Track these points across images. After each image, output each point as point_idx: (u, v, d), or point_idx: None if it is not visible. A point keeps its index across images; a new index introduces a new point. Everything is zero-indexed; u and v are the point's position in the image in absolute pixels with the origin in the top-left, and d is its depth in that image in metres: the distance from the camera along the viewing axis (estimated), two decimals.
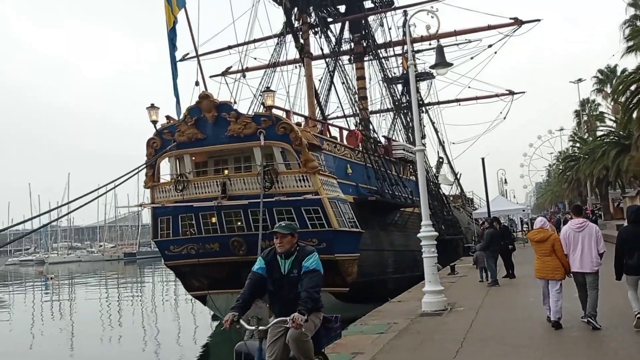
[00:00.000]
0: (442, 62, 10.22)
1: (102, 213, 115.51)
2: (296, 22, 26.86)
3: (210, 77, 35.86)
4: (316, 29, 27.35)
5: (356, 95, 31.60)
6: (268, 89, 17.37)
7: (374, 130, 27.11)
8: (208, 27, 29.54)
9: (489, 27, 34.13)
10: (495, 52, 36.25)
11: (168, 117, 19.07)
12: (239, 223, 18.77)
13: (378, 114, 43.33)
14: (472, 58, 34.12)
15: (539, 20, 33.97)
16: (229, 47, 28.31)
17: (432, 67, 10.91)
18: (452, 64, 10.86)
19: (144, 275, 64.26)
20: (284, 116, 18.70)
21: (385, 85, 35.06)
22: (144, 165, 17.43)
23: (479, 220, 36.76)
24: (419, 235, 11.24)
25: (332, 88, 30.53)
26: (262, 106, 18.89)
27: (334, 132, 23.08)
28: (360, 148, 22.60)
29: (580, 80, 58.62)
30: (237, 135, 18.05)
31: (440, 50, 10.44)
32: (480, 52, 35.33)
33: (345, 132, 23.27)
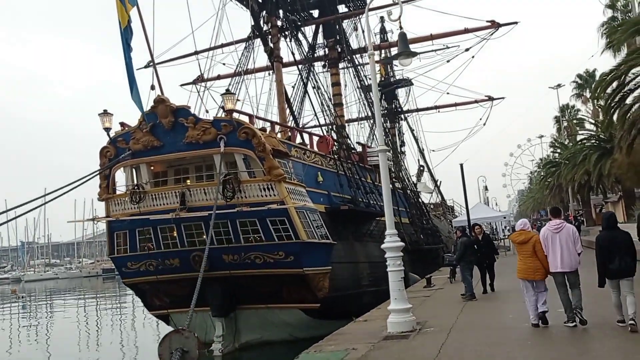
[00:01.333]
0: (405, 52, 9.12)
1: (81, 229, 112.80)
2: (265, 25, 25.78)
3: (181, 85, 34.77)
4: (286, 33, 26.25)
5: (330, 101, 30.61)
6: (228, 92, 16.16)
7: (348, 137, 25.98)
8: (176, 32, 28.29)
9: (466, 31, 33.33)
10: (473, 57, 35.41)
11: (122, 124, 17.76)
12: (201, 237, 17.49)
13: (357, 122, 42.24)
14: (448, 61, 33.18)
15: (516, 22, 33.27)
16: (196, 53, 27.00)
17: (394, 56, 9.77)
18: (416, 53, 9.76)
19: (123, 292, 62.27)
20: (247, 121, 17.48)
21: (362, 92, 33.98)
22: (92, 175, 16.04)
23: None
24: (382, 246, 10.08)
25: (307, 96, 29.41)
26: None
27: (305, 138, 21.91)
28: (332, 155, 21.44)
29: (559, 85, 58.21)
30: (195, 142, 16.79)
31: (403, 38, 9.35)
32: (457, 55, 34.44)
33: (315, 139, 22.08)
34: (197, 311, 18.97)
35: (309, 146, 21.10)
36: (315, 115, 25.00)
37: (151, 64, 28.23)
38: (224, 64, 27.11)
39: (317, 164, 20.34)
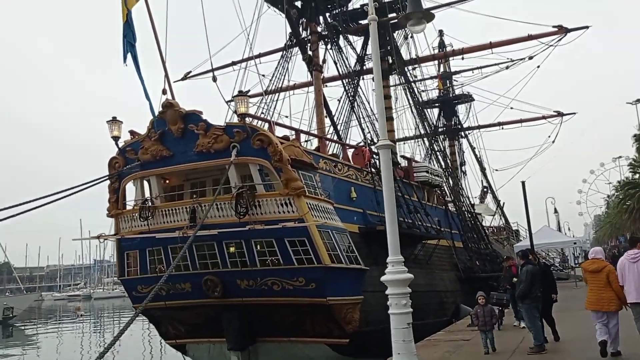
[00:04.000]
0: (418, 11, 6.76)
1: None
2: (303, 32, 23.95)
3: (228, 102, 33.43)
4: (328, 40, 24.24)
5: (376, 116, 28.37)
6: (241, 93, 14.24)
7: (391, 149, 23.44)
8: (212, 43, 26.91)
9: (530, 37, 30.32)
10: (538, 66, 32.31)
11: (132, 132, 16.17)
12: (214, 259, 15.49)
13: (413, 141, 39.52)
14: (507, 68, 30.14)
15: (587, 27, 29.96)
16: (233, 64, 25.54)
17: (403, 17, 7.40)
18: (432, 16, 7.33)
19: None
20: (266, 127, 15.48)
21: (414, 106, 31.38)
22: (92, 183, 14.38)
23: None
24: (383, 278, 7.65)
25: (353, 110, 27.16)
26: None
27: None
28: (369, 168, 19.03)
29: (639, 100, 53.21)
30: (207, 151, 14.91)
31: None
32: (520, 64, 31.38)
33: (351, 151, 19.76)
34: (215, 342, 17.16)
35: (342, 158, 18.81)
36: (362, 130, 22.62)
37: (188, 75, 27.22)
38: (263, 76, 25.37)
39: (350, 179, 17.99)
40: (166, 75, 15.15)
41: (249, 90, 23.74)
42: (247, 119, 14.88)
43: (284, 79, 23.03)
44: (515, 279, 12.74)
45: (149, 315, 17.81)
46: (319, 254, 14.43)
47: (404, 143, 40.63)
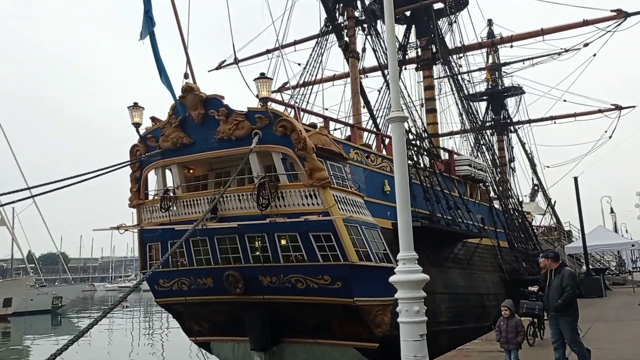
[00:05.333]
0: None
1: None
2: (340, 17, 22.79)
3: (274, 92, 32.52)
4: (365, 25, 22.98)
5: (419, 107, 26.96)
6: (263, 76, 13.25)
7: (430, 140, 22.03)
8: (247, 30, 26.05)
9: (585, 23, 28.17)
10: (594, 55, 30.03)
11: (153, 119, 15.45)
12: (237, 253, 14.61)
13: (459, 135, 37.72)
14: (559, 54, 28.09)
15: None
16: (268, 52, 24.63)
17: None
18: None
19: None
20: (292, 113, 14.47)
21: (459, 97, 29.73)
22: (108, 170, 13.67)
23: (572, 257, 30.15)
24: (391, 279, 6.46)
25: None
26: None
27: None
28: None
29: None
30: (227, 139, 14.01)
31: None
32: (573, 53, 29.23)
33: (386, 141, 18.49)
34: (239, 341, 16.33)
35: (376, 149, 17.61)
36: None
37: (223, 64, 26.52)
38: (299, 64, 24.36)
39: (384, 170, 16.75)
40: (187, 59, 14.31)
41: (287, 84, 22.92)
42: (271, 104, 13.90)
43: (319, 67, 21.94)
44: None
45: (172, 311, 17.15)
46: (345, 250, 13.33)
47: (449, 138, 38.90)
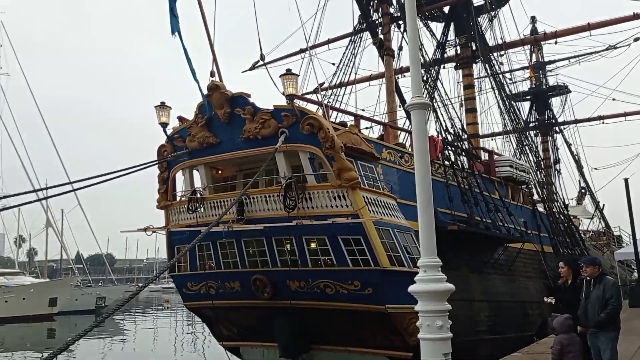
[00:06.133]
0: None
1: None
2: (374, 14, 22.15)
3: (305, 94, 32.18)
4: (400, 21, 22.24)
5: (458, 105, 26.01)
6: (289, 72, 12.75)
7: (469, 140, 21.08)
8: (282, 30, 25.69)
9: (635, 16, 26.62)
10: None
11: (180, 118, 15.16)
12: (264, 256, 14.14)
13: (502, 137, 36.37)
14: (608, 50, 26.62)
15: None
16: (301, 51, 24.17)
17: None
18: None
19: None
20: (319, 111, 13.91)
21: (501, 97, 28.55)
22: (135, 169, 13.41)
23: (622, 263, 28.49)
24: (411, 288, 5.78)
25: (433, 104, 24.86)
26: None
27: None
28: (441, 160, 16.92)
29: None
30: (254, 138, 13.56)
31: None
32: (622, 49, 27.65)
33: None
34: (268, 347, 15.86)
35: (409, 148, 16.85)
36: (437, 119, 20.45)
37: (257, 65, 26.20)
38: (333, 64, 23.79)
39: None
40: (214, 57, 13.93)
41: (323, 84, 22.35)
42: (298, 102, 13.39)
43: (352, 66, 21.32)
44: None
45: (200, 314, 16.83)
46: (376, 254, 12.67)
47: (491, 139, 37.59)
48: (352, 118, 16.05)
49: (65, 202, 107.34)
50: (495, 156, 21.79)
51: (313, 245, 13.43)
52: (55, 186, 13.80)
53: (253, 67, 25.92)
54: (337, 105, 21.01)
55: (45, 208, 57.90)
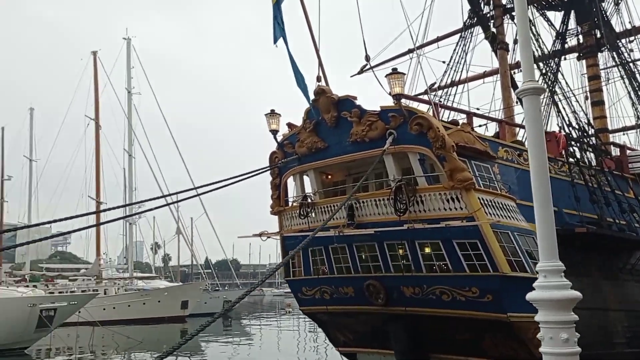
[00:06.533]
0: None
1: None
2: (485, 7, 21.14)
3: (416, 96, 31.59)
4: (513, 13, 21.01)
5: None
6: (395, 71, 12.40)
7: (596, 135, 19.29)
8: (391, 31, 25.42)
9: None
10: None
11: (290, 125, 15.37)
12: (376, 261, 13.89)
13: (635, 131, 33.14)
14: None
15: None
16: (409, 51, 23.67)
17: None
18: None
19: None
20: (429, 111, 13.41)
21: (631, 87, 25.99)
22: (249, 175, 13.74)
23: None
24: (529, 296, 5.17)
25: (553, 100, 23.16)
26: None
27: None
28: (565, 157, 15.63)
29: None
30: (361, 141, 13.38)
31: None
32: None
33: None
34: (385, 354, 15.56)
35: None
36: (559, 113, 19.03)
37: (365, 68, 26.08)
38: (443, 62, 23.01)
39: None
40: (319, 62, 14.05)
41: (435, 85, 21.70)
42: (405, 101, 13.02)
43: (464, 63, 20.44)
44: None
45: (316, 319, 16.91)
46: (494, 259, 11.92)
47: (623, 134, 34.34)
48: (464, 116, 15.34)
49: (194, 211, 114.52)
50: (628, 151, 19.76)
51: (427, 249, 12.97)
52: (181, 191, 14.90)
53: (361, 71, 25.79)
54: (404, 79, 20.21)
55: (176, 217, 62.03)
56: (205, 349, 35.11)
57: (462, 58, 21.05)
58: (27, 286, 48.23)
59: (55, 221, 16.04)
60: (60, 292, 45.71)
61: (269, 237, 16.03)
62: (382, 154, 12.63)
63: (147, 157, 56.64)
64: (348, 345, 16.49)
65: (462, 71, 21.01)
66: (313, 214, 15.02)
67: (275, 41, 12.96)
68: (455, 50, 20.87)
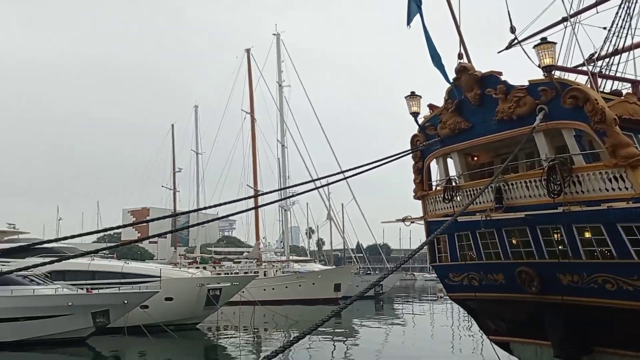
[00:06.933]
0: None
1: None
2: None
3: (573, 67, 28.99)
4: None
5: None
6: (544, 41, 11.28)
7: None
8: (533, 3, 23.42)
9: None
10: None
11: (431, 106, 14.86)
12: (529, 247, 12.98)
13: None
14: None
15: None
16: (563, 20, 21.52)
17: None
18: None
19: None
20: (585, 83, 12.09)
21: None
22: (389, 159, 13.51)
23: None
24: None
25: None
26: None
27: None
28: None
29: None
30: (508, 119, 12.49)
31: None
32: None
33: None
34: (542, 345, 14.56)
35: None
36: None
37: (513, 43, 24.36)
38: (604, 28, 20.61)
39: None
40: (460, 39, 13.30)
41: (595, 55, 19.58)
42: (558, 73, 11.87)
43: (628, 27, 18.11)
44: None
45: (464, 306, 16.33)
46: None
47: None
48: (628, 86, 13.64)
49: (344, 197, 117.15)
50: None
51: (586, 234, 11.81)
52: (329, 175, 15.26)
53: (509, 46, 24.02)
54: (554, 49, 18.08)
55: (327, 203, 64.03)
56: (358, 329, 36.09)
57: (626, 22, 18.70)
58: (198, 267, 53.19)
59: (218, 205, 17.17)
60: (225, 274, 49.56)
61: (412, 222, 15.77)
62: (532, 132, 11.68)
63: (298, 146, 59.10)
64: (500, 334, 15.69)
65: (626, 36, 18.66)
66: (458, 198, 14.44)
67: (408, 22, 12.58)
68: (617, 14, 18.56)
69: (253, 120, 61.72)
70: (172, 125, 75.38)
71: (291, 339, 5.69)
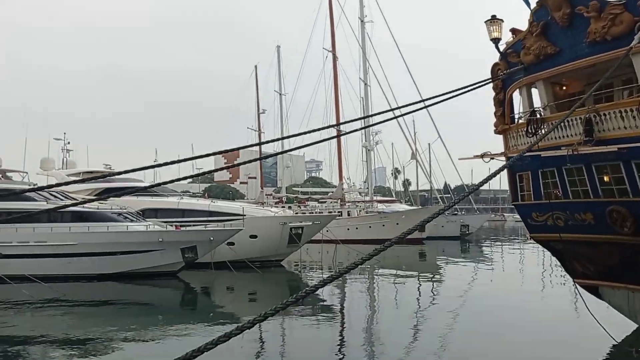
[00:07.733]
0: None
1: None
2: None
3: None
4: None
5: None
6: None
7: None
8: None
9: None
10: None
11: (513, 31, 13.50)
12: (622, 184, 11.76)
13: None
14: None
15: None
16: None
17: None
18: None
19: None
20: None
21: None
22: (467, 89, 12.38)
23: None
24: None
25: None
26: None
27: None
28: None
29: None
30: (601, 40, 11.05)
31: None
32: None
33: None
34: (635, 291, 13.47)
35: None
36: None
37: None
38: None
39: None
40: None
41: None
42: None
43: None
44: None
45: (549, 247, 15.30)
46: None
47: None
48: None
49: (431, 137, 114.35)
50: None
51: None
52: (406, 105, 13.58)
53: None
54: None
55: (412, 143, 62.61)
56: (443, 268, 35.82)
57: None
58: (283, 207, 54.40)
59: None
60: (310, 213, 50.33)
61: (492, 159, 14.75)
62: (628, 53, 10.27)
63: (381, 84, 57.50)
64: (588, 277, 14.64)
65: None
66: (543, 131, 13.24)
67: None
68: None
69: (335, 58, 60.63)
70: (255, 67, 75.84)
71: (342, 269, 5.80)
